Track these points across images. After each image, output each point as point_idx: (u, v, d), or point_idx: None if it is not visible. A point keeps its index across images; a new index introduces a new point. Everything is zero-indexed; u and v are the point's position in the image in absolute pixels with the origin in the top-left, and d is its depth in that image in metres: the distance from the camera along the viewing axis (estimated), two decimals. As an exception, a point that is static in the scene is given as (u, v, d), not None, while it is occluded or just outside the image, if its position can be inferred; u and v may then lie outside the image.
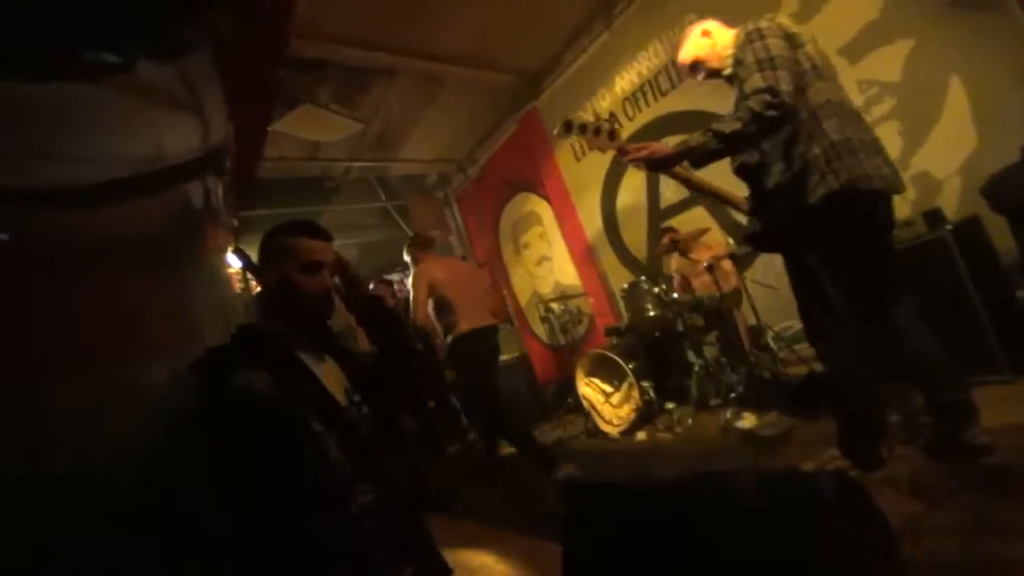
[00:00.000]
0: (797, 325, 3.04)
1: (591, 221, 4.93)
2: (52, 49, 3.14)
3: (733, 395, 2.77)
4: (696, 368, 2.99)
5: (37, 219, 3.20)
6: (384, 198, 6.38)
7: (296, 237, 1.27)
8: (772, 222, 1.72)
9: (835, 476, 0.95)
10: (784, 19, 1.69)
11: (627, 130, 4.46)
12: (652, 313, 3.16)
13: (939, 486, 1.45)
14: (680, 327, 3.18)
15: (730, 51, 1.71)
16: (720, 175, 1.92)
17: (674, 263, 3.68)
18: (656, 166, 1.72)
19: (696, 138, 1.59)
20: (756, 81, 1.52)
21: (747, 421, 2.55)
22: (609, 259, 4.81)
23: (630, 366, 3.13)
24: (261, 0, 2.82)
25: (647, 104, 4.31)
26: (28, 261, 2.93)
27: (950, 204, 2.75)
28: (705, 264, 2.95)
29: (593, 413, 3.43)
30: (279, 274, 1.24)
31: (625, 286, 3.40)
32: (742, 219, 2.05)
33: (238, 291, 4.65)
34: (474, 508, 2.76)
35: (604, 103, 4.63)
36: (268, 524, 1.04)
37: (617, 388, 3.33)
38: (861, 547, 0.93)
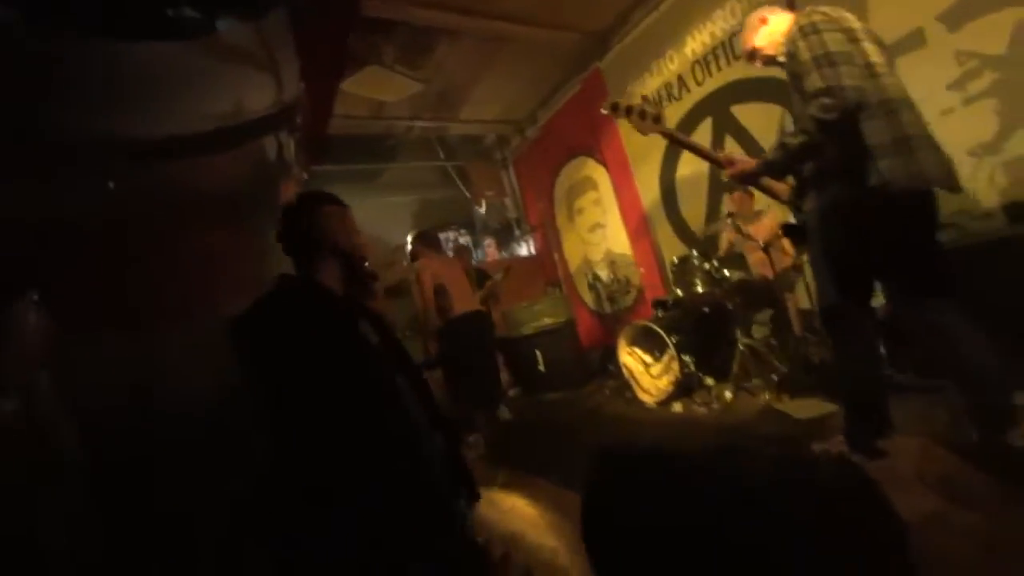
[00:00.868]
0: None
1: (648, 190, 4.84)
2: (147, 9, 3.40)
3: (775, 377, 2.75)
4: (740, 347, 2.98)
5: (135, 170, 3.56)
6: (443, 157, 6.50)
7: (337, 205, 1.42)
8: (810, 212, 1.72)
9: (840, 462, 1.00)
10: (843, 11, 1.62)
11: (696, 95, 4.28)
12: (700, 289, 3.15)
13: (970, 487, 1.44)
14: (729, 305, 3.15)
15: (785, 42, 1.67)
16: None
17: (727, 232, 3.60)
18: (742, 180, 1.89)
19: (773, 154, 1.70)
20: (815, 82, 1.51)
21: (786, 403, 2.55)
22: (664, 231, 4.74)
23: (673, 339, 3.16)
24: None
25: (718, 68, 4.10)
26: (128, 210, 3.29)
27: (1047, 194, 2.53)
28: (762, 243, 2.88)
29: (632, 382, 3.50)
30: (342, 239, 1.38)
31: (675, 260, 3.38)
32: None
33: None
34: (509, 459, 2.96)
35: (672, 65, 4.44)
36: (360, 464, 1.20)
37: (658, 359, 3.37)
38: (861, 532, 0.99)
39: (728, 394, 2.89)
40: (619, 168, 5.10)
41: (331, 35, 3.24)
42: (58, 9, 2.63)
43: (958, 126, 2.82)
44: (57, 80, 2.59)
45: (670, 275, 3.64)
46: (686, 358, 3.13)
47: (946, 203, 2.54)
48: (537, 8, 4.11)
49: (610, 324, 4.37)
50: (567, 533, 1.93)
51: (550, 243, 6.32)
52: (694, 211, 4.44)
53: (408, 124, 5.51)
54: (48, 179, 3.09)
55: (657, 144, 4.62)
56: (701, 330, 3.30)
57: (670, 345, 3.16)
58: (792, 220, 1.99)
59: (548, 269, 6.36)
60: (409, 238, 4.13)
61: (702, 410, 2.91)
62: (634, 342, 3.55)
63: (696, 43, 4.20)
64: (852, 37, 1.57)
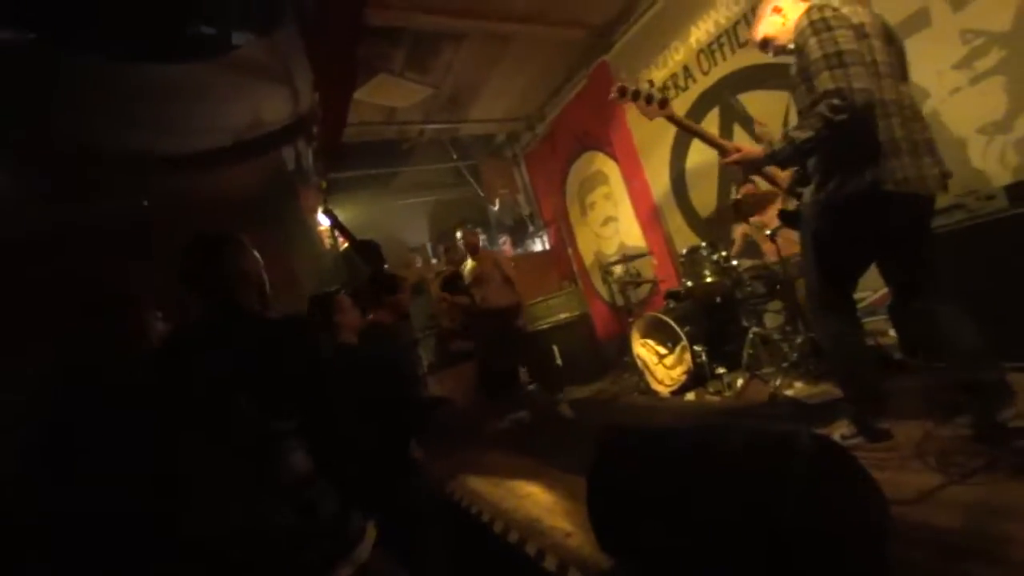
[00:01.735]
0: (866, 298, 2.94)
1: (659, 181, 4.86)
2: (168, 31, 3.56)
3: (786, 363, 2.79)
4: (750, 335, 3.01)
5: (163, 185, 3.75)
6: (456, 158, 6.61)
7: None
8: (804, 203, 1.78)
9: (817, 438, 1.06)
10: (853, 5, 1.65)
11: (702, 84, 4.29)
12: (710, 279, 3.18)
13: (964, 463, 1.48)
14: (739, 294, 3.18)
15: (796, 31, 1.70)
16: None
17: (741, 227, 3.61)
18: (748, 168, 1.91)
19: (779, 144, 1.69)
20: (825, 81, 1.53)
21: (796, 389, 2.59)
22: (676, 221, 4.76)
23: (684, 330, 3.20)
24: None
25: (723, 57, 4.09)
26: (153, 224, 3.48)
27: (1057, 172, 2.50)
28: (768, 231, 2.91)
29: (646, 372, 3.56)
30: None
31: (684, 251, 3.42)
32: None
33: (327, 247, 5.16)
34: (527, 449, 3.06)
35: (678, 56, 4.45)
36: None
37: (671, 350, 3.42)
38: (838, 504, 1.06)
39: (740, 382, 2.94)
40: (629, 160, 5.13)
41: (338, 45, 3.37)
42: (85, 34, 2.81)
43: (966, 105, 2.79)
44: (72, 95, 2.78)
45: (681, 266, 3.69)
46: (698, 348, 3.18)
47: (954, 184, 2.56)
48: (540, 6, 4.17)
49: (625, 316, 4.42)
50: (581, 517, 2.03)
51: (564, 238, 6.38)
52: (705, 200, 4.45)
53: (420, 127, 5.63)
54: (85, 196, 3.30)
55: (665, 134, 4.64)
56: (712, 320, 3.34)
57: (682, 336, 3.21)
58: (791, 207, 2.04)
59: (563, 264, 6.43)
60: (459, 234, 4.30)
61: (715, 398, 2.97)
62: (647, 334, 3.61)
63: (701, 32, 4.20)
64: (861, 33, 1.59)
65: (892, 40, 1.71)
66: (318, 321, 2.23)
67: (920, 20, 2.90)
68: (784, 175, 2.08)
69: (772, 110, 3.70)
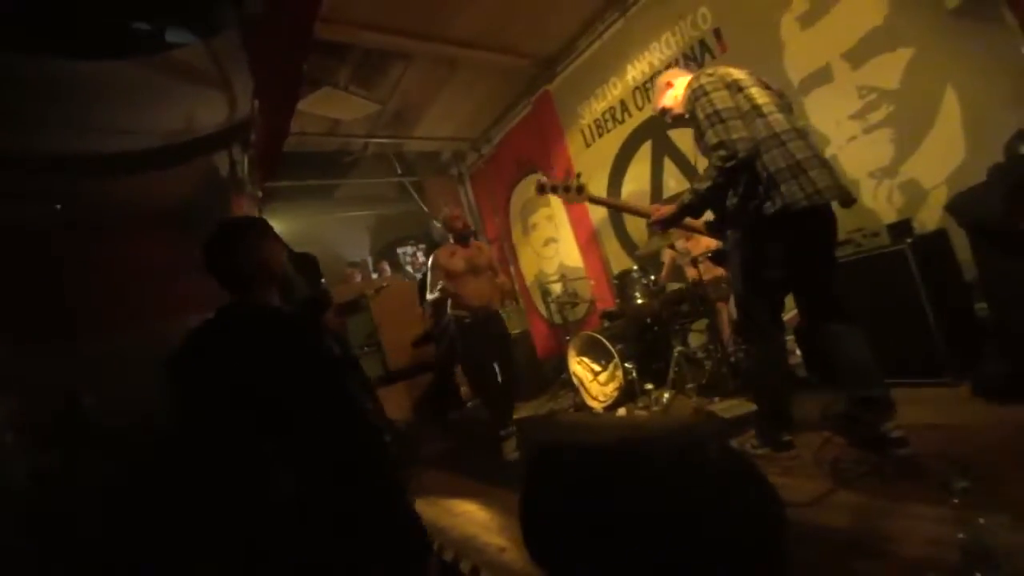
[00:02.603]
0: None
1: (597, 207, 5.08)
2: (96, 26, 3.37)
3: (705, 381, 2.99)
4: (675, 354, 3.21)
5: (83, 187, 3.51)
6: (400, 173, 6.58)
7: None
8: (728, 239, 1.97)
9: (724, 448, 1.17)
10: (728, 68, 1.90)
11: (637, 119, 4.57)
12: (640, 301, 3.37)
13: (853, 470, 1.67)
14: (666, 315, 3.38)
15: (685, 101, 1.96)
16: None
17: (668, 252, 3.85)
18: (665, 225, 2.14)
19: (686, 198, 1.94)
20: (711, 138, 1.78)
21: (715, 405, 2.78)
22: (612, 245, 4.98)
23: (617, 348, 3.36)
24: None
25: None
26: (76, 226, 3.25)
27: (935, 213, 2.86)
28: (691, 257, 3.13)
29: (581, 389, 3.68)
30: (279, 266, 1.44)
31: (616, 274, 3.60)
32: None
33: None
34: (462, 466, 3.07)
35: (615, 91, 4.72)
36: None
37: (604, 368, 3.57)
38: (742, 508, 1.17)
39: (666, 397, 3.11)
40: (569, 185, 5.33)
41: (286, 55, 3.32)
42: (7, 29, 2.61)
43: (860, 152, 3.16)
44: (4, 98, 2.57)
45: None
46: (629, 366, 3.34)
47: (847, 222, 2.87)
48: (485, 34, 4.30)
49: (563, 335, 4.56)
50: (516, 532, 2.06)
51: (507, 257, 6.49)
52: (638, 226, 4.70)
53: (364, 140, 5.59)
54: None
55: (604, 163, 4.89)
56: (643, 339, 3.52)
57: (614, 354, 3.36)
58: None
59: (505, 282, 6.52)
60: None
61: (643, 413, 3.12)
62: (583, 352, 3.74)
63: (636, 71, 4.50)
64: (737, 87, 1.83)
65: (768, 86, 1.96)
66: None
67: (824, 76, 3.27)
68: (699, 223, 2.28)
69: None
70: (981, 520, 1.01)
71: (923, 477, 1.53)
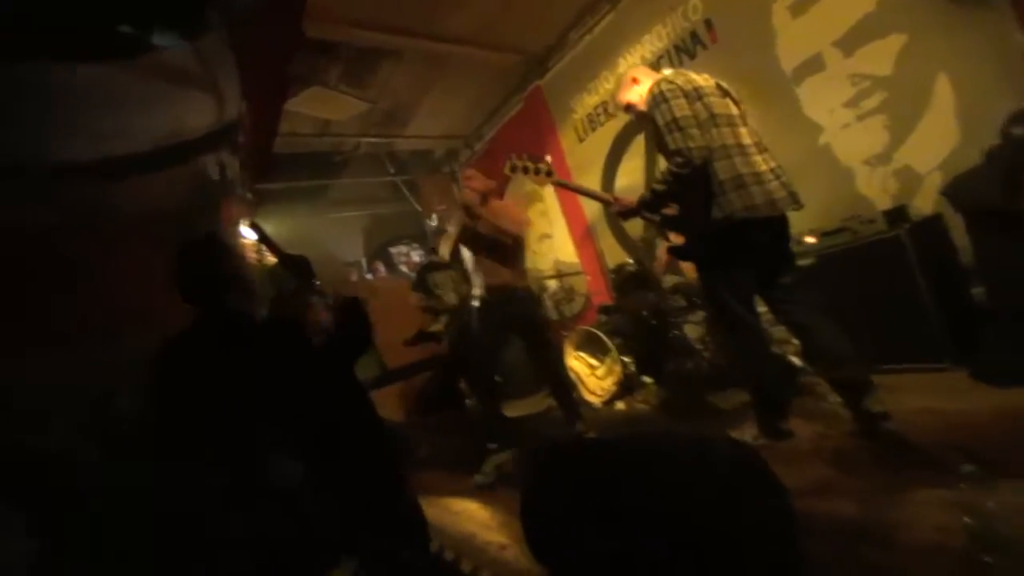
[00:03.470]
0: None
1: (591, 201, 5.05)
2: (83, 30, 3.32)
3: (704, 372, 2.97)
4: (673, 346, 3.19)
5: (73, 191, 3.45)
6: (393, 172, 6.55)
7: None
8: (687, 238, 2.07)
9: (733, 444, 1.16)
10: (690, 74, 1.97)
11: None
12: (637, 294, 3.35)
13: (852, 458, 1.66)
14: (663, 308, 3.37)
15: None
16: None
17: (663, 245, 3.84)
18: (625, 216, 2.31)
19: (645, 196, 2.07)
20: (669, 143, 1.84)
21: (714, 396, 2.76)
22: (607, 239, 4.96)
23: (614, 343, 3.34)
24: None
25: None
26: (63, 231, 3.19)
27: (930, 199, 2.85)
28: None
29: (579, 384, 3.67)
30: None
31: (612, 268, 3.58)
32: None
33: (254, 262, 4.90)
34: (462, 466, 3.04)
35: (607, 85, 4.69)
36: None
37: (602, 362, 3.55)
38: (751, 499, 1.15)
39: (664, 392, 3.09)
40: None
41: (274, 55, 3.28)
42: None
43: (854, 139, 3.15)
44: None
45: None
46: (627, 360, 3.32)
47: (841, 209, 2.85)
48: (478, 30, 4.28)
49: (560, 330, 4.54)
50: (516, 529, 2.04)
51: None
52: (634, 220, 4.68)
53: (356, 140, 5.55)
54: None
55: (597, 157, 4.87)
56: (640, 333, 3.50)
57: (612, 348, 3.34)
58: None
59: (500, 280, 6.49)
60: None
61: (642, 406, 3.10)
62: (580, 347, 3.72)
63: (627, 64, 4.47)
64: (697, 95, 1.89)
65: (727, 94, 2.03)
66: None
67: (816, 64, 3.26)
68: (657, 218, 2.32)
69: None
70: (989, 504, 1.00)
71: (926, 463, 1.51)
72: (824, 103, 3.23)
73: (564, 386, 3.02)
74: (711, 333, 3.49)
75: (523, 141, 5.63)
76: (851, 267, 2.31)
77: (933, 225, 2.37)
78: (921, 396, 1.92)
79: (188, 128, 3.98)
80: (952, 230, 2.46)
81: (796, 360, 2.61)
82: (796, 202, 1.91)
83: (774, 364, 2.14)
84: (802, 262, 2.32)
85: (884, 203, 3.02)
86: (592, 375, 3.59)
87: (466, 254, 3.00)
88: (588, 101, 4.88)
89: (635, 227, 4.66)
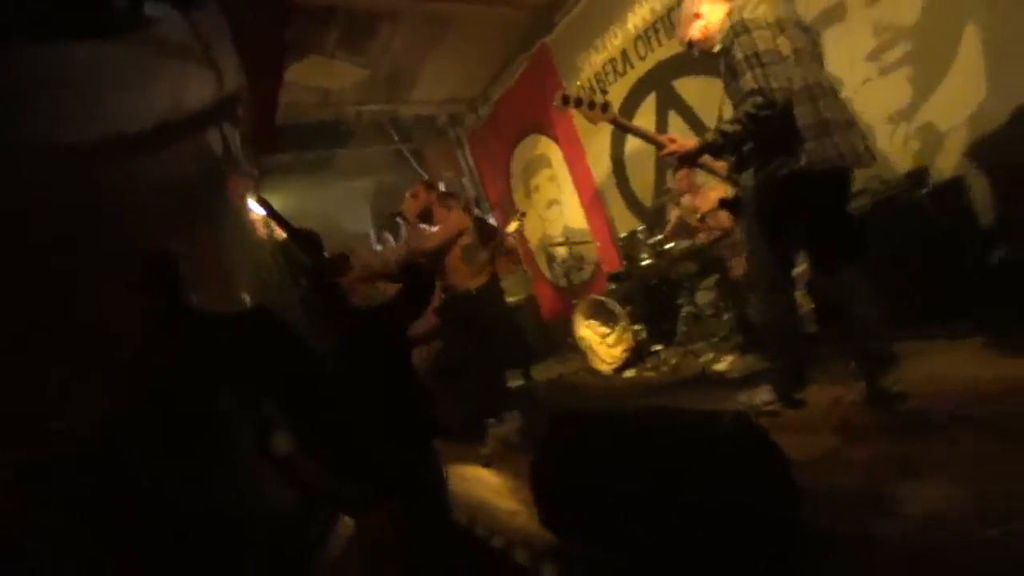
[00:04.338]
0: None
1: (600, 166, 4.95)
2: (72, 5, 3.26)
3: (715, 339, 2.97)
4: (683, 313, 3.18)
5: (75, 174, 3.46)
6: (397, 140, 6.43)
7: None
8: (745, 188, 1.90)
9: (736, 416, 1.16)
10: (765, 3, 1.80)
11: (639, 70, 4.38)
12: (647, 261, 3.32)
13: (861, 426, 1.66)
14: (673, 275, 3.34)
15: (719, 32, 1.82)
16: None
17: (674, 210, 3.76)
18: (684, 160, 2.02)
19: (711, 136, 1.84)
20: (748, 81, 1.67)
21: (724, 363, 2.77)
22: (617, 206, 4.87)
23: (625, 310, 3.34)
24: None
25: (659, 43, 4.19)
26: (68, 213, 3.22)
27: (951, 158, 2.73)
28: (699, 215, 3.05)
29: (589, 352, 3.69)
30: None
31: (623, 235, 3.53)
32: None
33: (264, 237, 4.90)
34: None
35: (616, 40, 4.51)
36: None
37: (612, 330, 3.56)
38: (754, 472, 1.17)
39: (674, 360, 3.10)
40: (571, 145, 5.19)
41: (268, 24, 3.18)
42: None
43: (876, 94, 3.01)
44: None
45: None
46: (637, 327, 3.32)
47: (863, 171, 2.75)
48: (479, -15, 4.10)
49: (570, 298, 4.54)
50: (527, 494, 2.10)
51: (510, 220, 6.39)
52: (643, 185, 4.58)
53: (357, 109, 5.44)
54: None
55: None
56: (650, 300, 3.49)
57: (622, 316, 3.34)
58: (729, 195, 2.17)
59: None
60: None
61: (652, 374, 3.12)
62: (590, 315, 3.73)
63: (637, 17, 4.27)
64: (777, 29, 1.72)
65: (806, 29, 1.84)
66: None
67: (837, 13, 3.08)
68: (721, 164, 2.20)
69: (707, 97, 3.84)
70: (995, 476, 1.00)
71: (935, 432, 1.51)
72: (845, 55, 3.07)
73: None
74: (721, 299, 3.47)
75: (530, 103, 5.48)
76: (870, 229, 2.24)
77: (953, 188, 2.28)
78: (935, 362, 1.90)
79: (187, 103, 3.92)
80: (973, 193, 2.37)
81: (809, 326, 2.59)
82: (873, 157, 1.78)
83: (800, 335, 2.06)
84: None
85: (905, 162, 2.90)
86: (602, 343, 3.61)
87: None
88: (596, 59, 4.70)
89: (645, 191, 4.57)
